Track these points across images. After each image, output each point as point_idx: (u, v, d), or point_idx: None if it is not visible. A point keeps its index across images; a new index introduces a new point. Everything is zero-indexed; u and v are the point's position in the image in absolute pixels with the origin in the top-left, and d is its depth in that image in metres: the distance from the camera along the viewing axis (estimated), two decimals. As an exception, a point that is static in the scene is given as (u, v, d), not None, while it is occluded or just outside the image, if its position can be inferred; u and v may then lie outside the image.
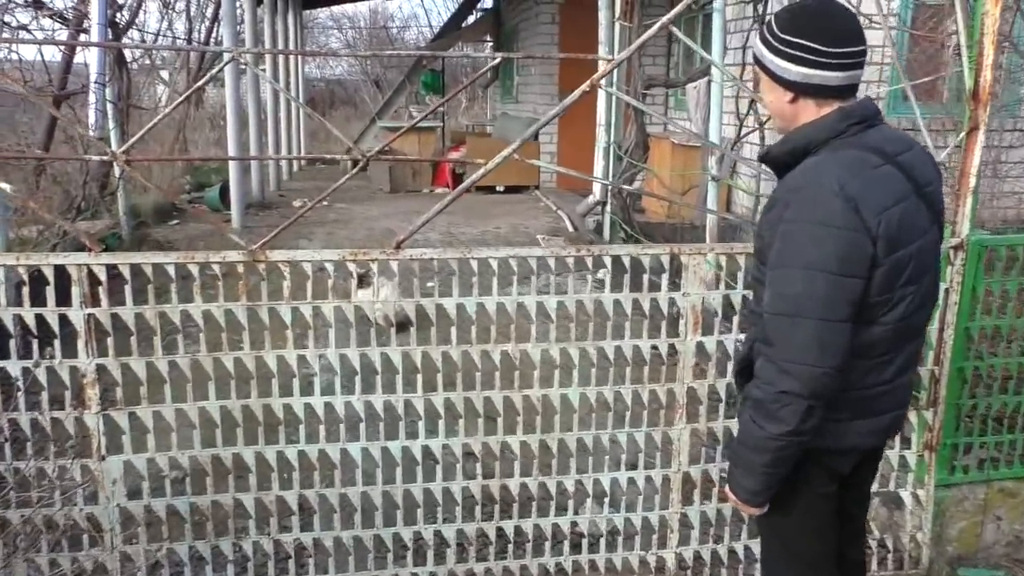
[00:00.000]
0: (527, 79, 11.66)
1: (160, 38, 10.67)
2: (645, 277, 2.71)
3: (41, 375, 2.35)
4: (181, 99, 2.56)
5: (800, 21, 1.77)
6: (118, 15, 7.42)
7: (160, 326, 2.40)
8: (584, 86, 2.50)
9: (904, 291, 1.74)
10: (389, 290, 5.25)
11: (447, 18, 17.18)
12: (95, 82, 5.93)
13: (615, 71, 7.10)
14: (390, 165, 10.46)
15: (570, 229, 8.07)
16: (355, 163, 2.66)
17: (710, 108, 5.08)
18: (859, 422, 1.85)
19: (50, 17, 7.04)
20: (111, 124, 6.53)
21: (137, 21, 8.86)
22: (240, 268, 2.41)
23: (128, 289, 2.36)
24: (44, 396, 2.36)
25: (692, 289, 2.64)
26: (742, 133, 4.78)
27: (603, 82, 2.51)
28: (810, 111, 1.81)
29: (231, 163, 7.59)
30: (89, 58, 6.12)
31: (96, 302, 2.34)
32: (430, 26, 25.65)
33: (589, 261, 2.56)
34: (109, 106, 6.49)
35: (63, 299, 2.33)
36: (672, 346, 2.69)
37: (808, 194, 1.70)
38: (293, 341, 2.48)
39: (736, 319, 2.75)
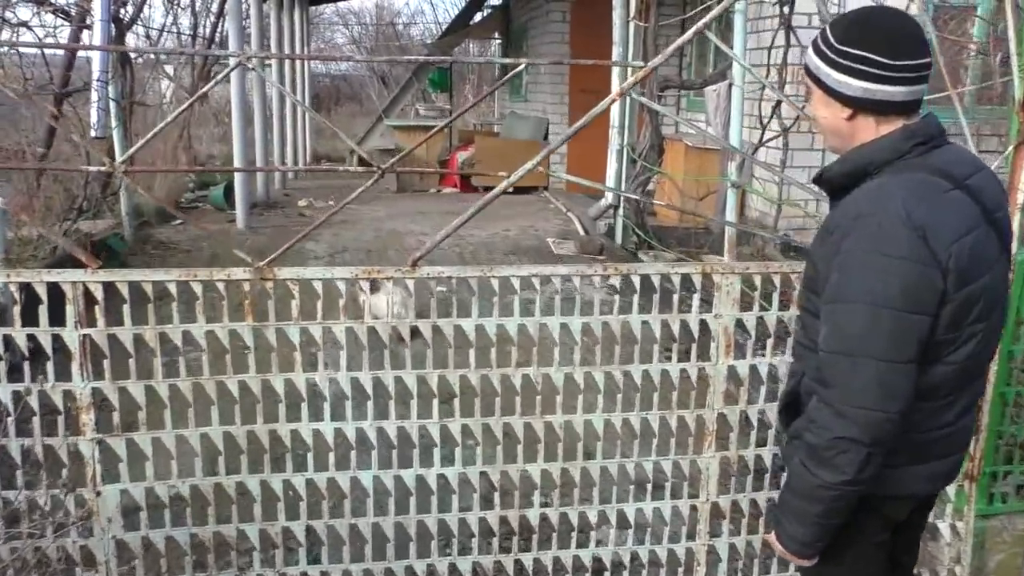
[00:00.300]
0: (537, 78, 11.51)
1: (165, 34, 10.52)
2: (674, 296, 2.55)
3: (33, 399, 2.21)
4: (184, 107, 2.41)
5: (861, 31, 1.61)
6: (122, 11, 7.25)
7: (160, 346, 2.25)
8: (614, 95, 2.34)
9: (973, 328, 1.59)
10: (401, 297, 5.13)
11: (455, 14, 17.01)
12: (97, 80, 5.79)
13: (628, 73, 6.95)
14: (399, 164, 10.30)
15: (581, 232, 7.92)
16: (362, 162, 2.52)
17: (730, 112, 4.92)
18: (919, 467, 1.70)
19: (52, 13, 6.89)
20: (114, 123, 6.38)
21: (142, 16, 8.71)
22: (246, 287, 2.26)
23: (126, 308, 2.21)
24: (36, 422, 2.22)
25: (724, 310, 2.49)
26: (764, 138, 4.61)
27: (624, 86, 2.36)
28: (869, 129, 1.65)
29: (236, 160, 7.45)
30: (91, 55, 5.97)
31: (92, 322, 2.20)
32: (437, 22, 25.47)
33: (617, 281, 2.39)
34: (112, 104, 6.34)
35: (57, 318, 2.19)
36: (702, 370, 2.54)
37: (871, 221, 1.54)
38: (302, 363, 2.33)
39: (770, 342, 2.59)
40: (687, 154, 7.78)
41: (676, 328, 2.49)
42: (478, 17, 14.68)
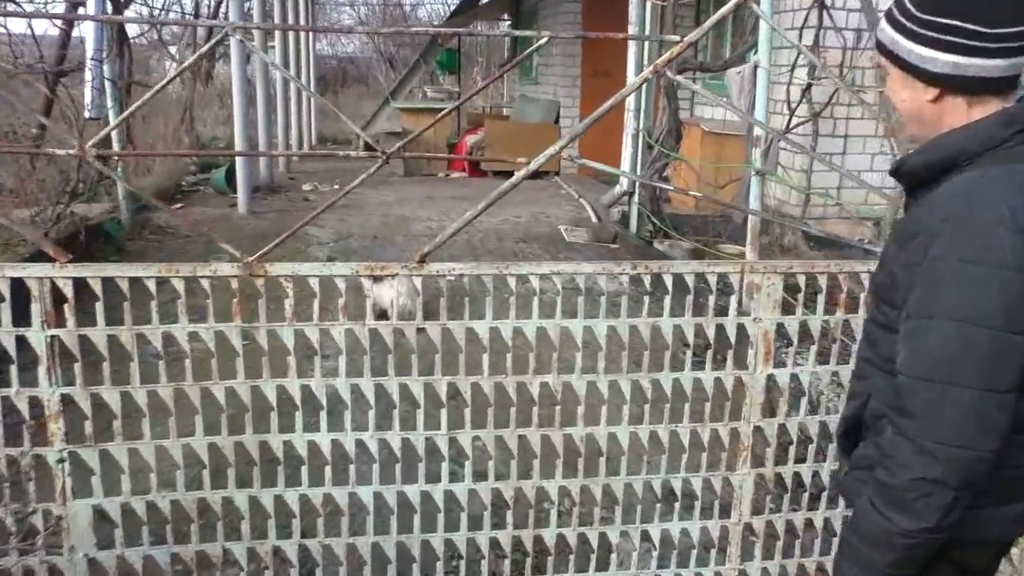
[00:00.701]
0: (548, 59, 11.21)
1: (166, 13, 10.24)
2: (709, 297, 2.30)
3: (-5, 406, 1.98)
4: (157, 88, 2.17)
5: None
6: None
7: (137, 350, 2.02)
8: (647, 72, 2.09)
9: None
10: (407, 287, 4.89)
11: (464, -5, 16.65)
12: (91, 58, 5.54)
13: (644, 54, 6.67)
14: (406, 148, 10.03)
15: (593, 220, 7.66)
16: (367, 147, 2.29)
17: (755, 95, 4.64)
18: (1007, 508, 1.46)
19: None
20: (110, 103, 6.14)
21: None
22: (234, 284, 2.02)
23: (99, 307, 1.98)
24: (-1, 432, 1.99)
25: (764, 313, 2.24)
26: (791, 123, 4.34)
27: (659, 62, 2.10)
28: (959, 112, 1.40)
29: (237, 143, 7.21)
30: (86, 33, 5.72)
31: (61, 322, 1.96)
32: (445, 3, 25.06)
33: (647, 279, 2.15)
34: (108, 84, 6.10)
35: (22, 317, 1.95)
36: (738, 379, 2.30)
37: (964, 224, 1.29)
38: (296, 368, 2.10)
39: (814, 349, 2.35)
40: (704, 139, 7.50)
41: (711, 332, 2.25)
42: (487, -2, 14.36)
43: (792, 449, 2.38)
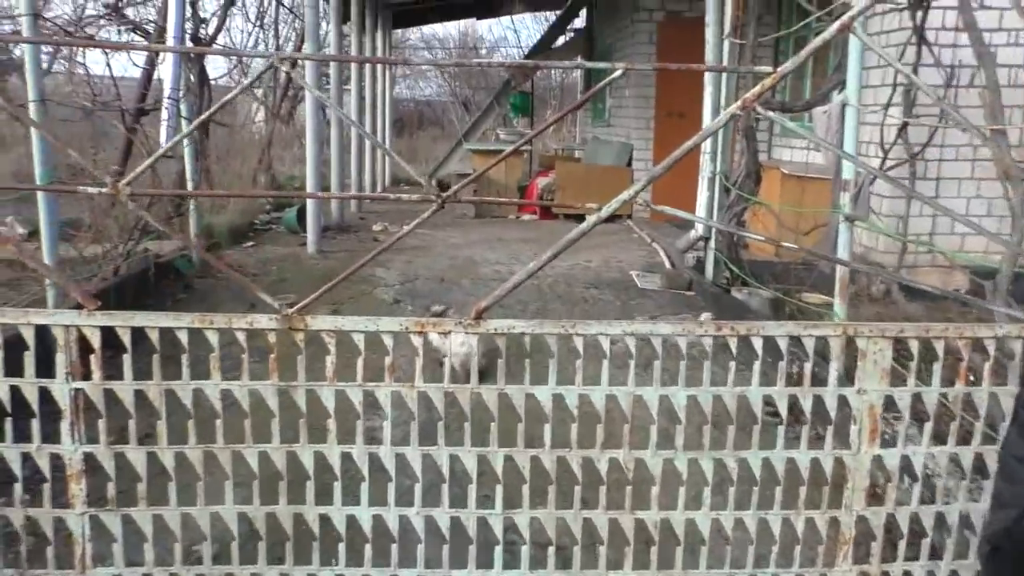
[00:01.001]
0: (621, 101, 11.01)
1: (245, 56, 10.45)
2: (782, 343, 2.00)
3: (15, 464, 1.82)
4: (183, 135, 2.01)
5: None
6: (201, 30, 7.11)
7: (166, 407, 1.83)
8: (734, 107, 1.83)
9: None
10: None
11: (537, 39, 16.69)
12: (168, 97, 5.58)
13: (722, 94, 6.38)
14: (475, 189, 9.93)
15: (667, 265, 7.34)
16: (440, 185, 2.08)
17: (843, 136, 4.30)
18: None
19: (132, 31, 6.78)
20: (185, 142, 6.18)
21: (223, 40, 8.62)
22: (271, 338, 1.83)
23: (127, 359, 1.80)
24: (16, 489, 1.82)
25: (871, 384, 1.93)
26: (886, 165, 3.98)
27: (749, 95, 1.84)
28: None
29: (308, 184, 7.19)
30: (164, 73, 5.78)
31: (86, 374, 1.80)
32: (519, 47, 25.30)
33: (733, 343, 1.86)
34: (184, 123, 6.14)
35: (46, 367, 1.80)
36: (838, 460, 1.97)
37: None
38: (336, 433, 1.88)
39: (929, 426, 2.01)
40: (784, 182, 7.13)
41: (808, 404, 1.94)
42: (561, 41, 14.30)
43: (902, 545, 2.03)
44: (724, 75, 6.05)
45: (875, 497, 2.04)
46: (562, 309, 6.00)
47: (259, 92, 14.99)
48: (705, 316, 5.97)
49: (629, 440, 1.91)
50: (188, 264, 6.27)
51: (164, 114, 5.66)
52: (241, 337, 1.82)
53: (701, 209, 6.44)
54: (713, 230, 6.41)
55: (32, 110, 4.20)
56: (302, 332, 1.82)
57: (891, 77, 4.38)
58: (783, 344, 1.90)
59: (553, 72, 24.63)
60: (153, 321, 1.80)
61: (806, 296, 6.07)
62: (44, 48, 8.49)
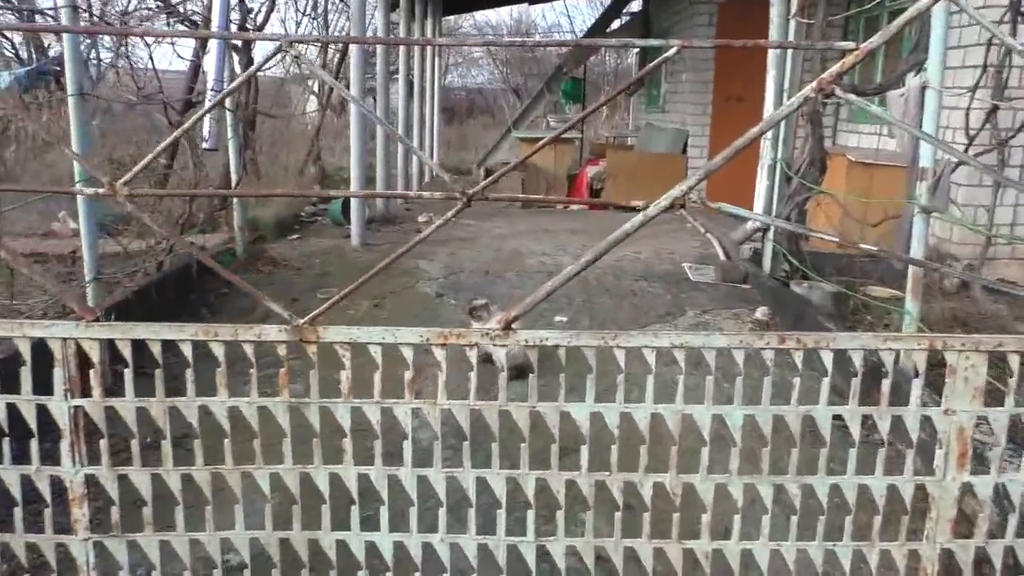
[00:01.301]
0: (676, 86, 10.67)
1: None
2: (856, 357, 1.77)
3: (14, 487, 1.71)
4: (176, 134, 1.87)
5: None
6: (248, 20, 7.06)
7: (171, 426, 1.70)
8: (809, 89, 1.61)
9: None
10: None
11: (591, 24, 16.37)
12: (211, 89, 5.52)
13: (786, 76, 6.06)
14: (522, 178, 9.74)
15: (722, 257, 7.04)
16: (488, 174, 1.90)
17: (921, 120, 3.99)
18: None
19: (180, 22, 6.76)
20: (229, 134, 6.13)
21: (273, 31, 8.58)
22: (280, 350, 1.67)
23: (128, 375, 1.67)
24: (16, 514, 1.71)
25: (960, 404, 1.69)
26: (970, 152, 3.66)
27: (827, 74, 1.61)
28: None
29: (353, 175, 7.10)
30: (207, 65, 5.72)
31: (86, 391, 1.67)
32: (573, 32, 24.95)
33: (798, 356, 1.64)
34: (228, 115, 6.09)
35: (44, 383, 1.68)
36: (921, 488, 1.74)
37: None
38: (352, 453, 1.72)
39: (1027, 452, 1.76)
40: (850, 171, 6.76)
41: (885, 427, 1.71)
42: (615, 25, 13.97)
43: (994, 583, 1.79)
44: (789, 58, 5.73)
45: (963, 529, 1.80)
46: (609, 303, 5.78)
47: (312, 83, 15.04)
48: (761, 311, 5.68)
49: (677, 463, 1.71)
50: (232, 258, 6.24)
51: (207, 105, 5.59)
52: (249, 350, 1.67)
53: (760, 199, 6.14)
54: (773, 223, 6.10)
55: (71, 105, 4.15)
56: (315, 344, 1.67)
57: (973, 58, 4.03)
58: (857, 359, 1.67)
59: (607, 58, 24.25)
60: (155, 333, 1.66)
61: (872, 290, 5.74)
62: (103, 42, 8.57)
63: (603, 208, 9.77)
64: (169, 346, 1.66)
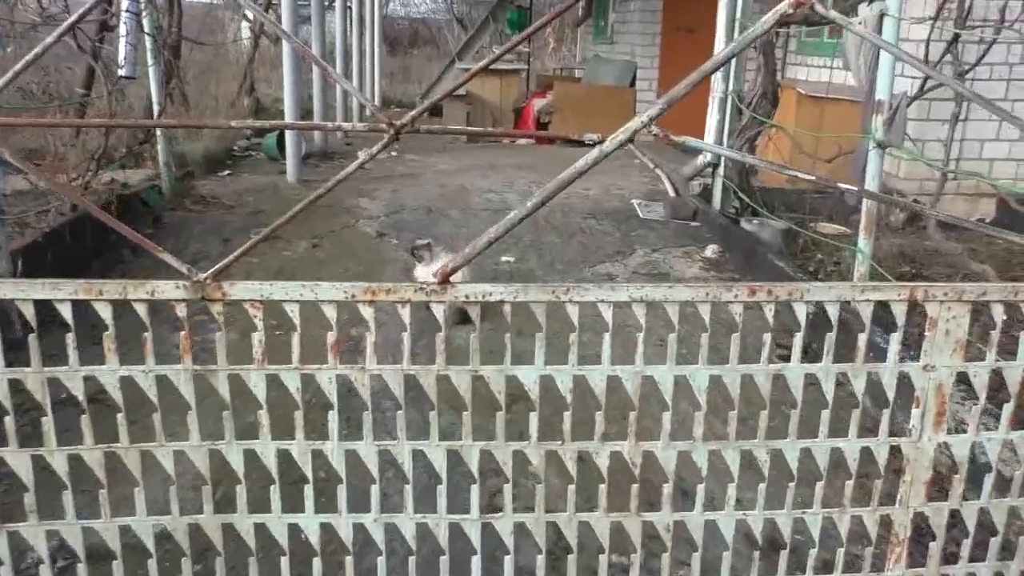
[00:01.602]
0: (625, 16, 10.33)
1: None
2: (832, 310, 1.61)
3: None
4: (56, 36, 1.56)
5: None
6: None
7: (52, 398, 1.45)
8: (785, 4, 1.39)
9: None
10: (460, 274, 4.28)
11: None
12: (126, 10, 5.03)
13: (738, 4, 5.82)
14: (467, 111, 9.39)
15: (671, 193, 6.89)
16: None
17: (879, 52, 3.82)
18: None
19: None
20: (149, 60, 5.66)
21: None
22: (179, 310, 1.43)
23: (33, 340, 1.41)
24: None
25: (941, 358, 1.54)
26: (926, 86, 3.50)
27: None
28: None
29: (287, 107, 6.68)
30: (121, -18, 5.21)
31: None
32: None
33: (769, 311, 1.46)
34: (148, 40, 5.60)
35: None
36: (896, 449, 1.60)
37: None
38: (270, 427, 1.50)
39: (1009, 407, 1.63)
40: (800, 104, 6.63)
41: (860, 386, 1.55)
42: (561, -49, 13.43)
43: (967, 543, 1.68)
44: (740, -17, 5.47)
45: (937, 491, 1.68)
46: (558, 242, 5.59)
47: (244, 7, 14.17)
48: (712, 249, 5.57)
49: (635, 430, 1.54)
50: (158, 196, 5.84)
51: (122, 29, 5.12)
52: (142, 311, 1.42)
53: (711, 133, 5.96)
54: (723, 158, 5.94)
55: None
56: (220, 303, 1.42)
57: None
58: (833, 311, 1.50)
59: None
60: (24, 292, 1.39)
61: (822, 227, 5.66)
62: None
63: (551, 142, 9.49)
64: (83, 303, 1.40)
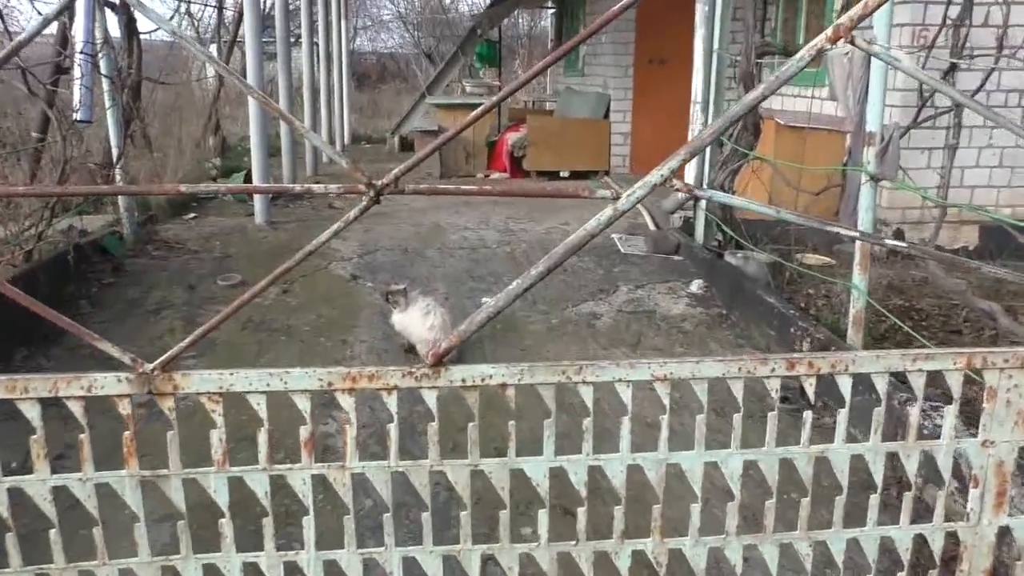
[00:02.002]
0: (596, 48, 10.29)
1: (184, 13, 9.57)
2: (879, 382, 1.42)
3: None
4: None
5: None
6: (125, -26, 6.26)
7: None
8: (823, 38, 1.22)
9: None
10: (441, 318, 4.06)
11: (504, -16, 15.76)
12: (81, 52, 4.80)
13: (715, 34, 5.74)
14: (439, 151, 9.22)
15: (651, 227, 6.76)
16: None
17: (867, 82, 3.71)
18: None
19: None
20: (107, 103, 5.42)
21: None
22: (122, 407, 1.21)
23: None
24: None
25: (1001, 433, 1.36)
26: (920, 117, 3.39)
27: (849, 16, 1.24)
28: None
29: (253, 147, 6.45)
30: (76, 28, 4.99)
31: None
32: (485, -6, 24.21)
33: (810, 387, 1.27)
34: (105, 82, 5.38)
35: None
36: (953, 537, 1.42)
37: None
38: (233, 538, 1.28)
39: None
40: (779, 135, 6.54)
41: (912, 468, 1.37)
42: (529, -15, 13.46)
43: (1029, 638, 1.49)
44: (718, 16, 5.39)
45: (995, 580, 1.49)
46: (540, 282, 5.41)
47: (210, 45, 13.99)
48: (697, 284, 5.42)
49: (661, 525, 1.33)
50: (118, 242, 5.57)
51: (76, 72, 4.89)
52: (77, 410, 1.19)
53: (692, 166, 5.84)
54: (705, 189, 5.80)
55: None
56: (171, 398, 1.20)
57: (923, 14, 3.77)
58: (882, 384, 1.32)
59: (519, 20, 23.65)
60: (-67, 391, 1.16)
61: (807, 258, 5.55)
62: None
63: (525, 176, 9.34)
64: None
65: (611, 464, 1.30)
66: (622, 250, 6.33)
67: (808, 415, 1.32)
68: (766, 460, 1.33)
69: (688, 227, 6.32)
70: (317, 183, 8.02)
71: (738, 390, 1.29)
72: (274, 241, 6.17)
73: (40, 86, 4.65)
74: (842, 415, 1.33)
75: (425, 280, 5.31)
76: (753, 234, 5.69)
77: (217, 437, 1.23)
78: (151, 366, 1.19)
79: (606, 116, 9.59)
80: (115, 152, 5.52)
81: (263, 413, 1.23)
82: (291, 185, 1.62)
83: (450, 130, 1.27)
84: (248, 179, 7.13)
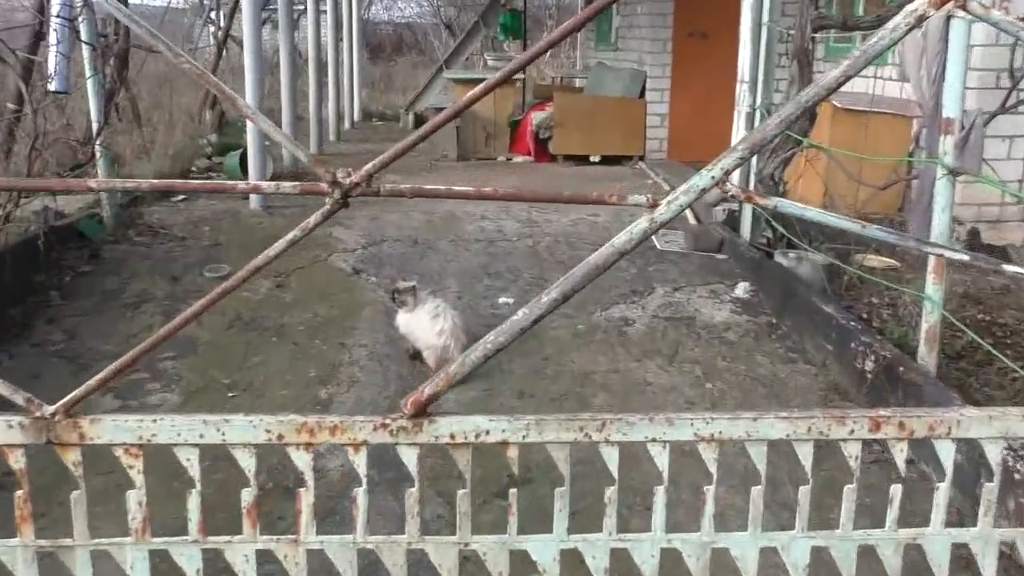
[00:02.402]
0: (631, 19, 10.03)
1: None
2: (992, 451, 1.20)
3: None
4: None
5: None
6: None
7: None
8: (920, 5, 1.00)
9: None
10: (451, 321, 3.87)
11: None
12: (57, 15, 4.65)
13: (766, 9, 5.48)
14: (457, 127, 9.04)
15: (692, 221, 6.51)
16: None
17: (945, 61, 3.45)
18: None
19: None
20: (87, 72, 5.28)
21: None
22: (14, 459, 1.02)
23: None
24: None
25: None
26: (1008, 102, 3.14)
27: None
28: None
29: (249, 124, 6.30)
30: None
31: None
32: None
33: (900, 455, 1.05)
34: (85, 49, 5.23)
35: None
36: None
37: None
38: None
39: None
40: (836, 118, 6.26)
41: (1029, 556, 1.14)
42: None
43: None
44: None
45: None
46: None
47: (210, 11, 13.88)
48: (742, 287, 5.19)
49: (703, 623, 1.12)
50: (97, 226, 5.43)
51: (52, 38, 4.74)
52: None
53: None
54: (751, 177, 5.57)
55: None
56: (76, 449, 1.01)
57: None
58: (995, 453, 1.09)
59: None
60: None
61: (868, 260, 5.29)
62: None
63: (550, 159, 9.12)
64: None
65: (640, 547, 1.09)
66: (658, 246, 6.10)
67: (897, 489, 1.10)
68: (840, 546, 1.11)
69: (733, 221, 6.08)
70: (324, 163, 7.87)
71: (806, 455, 1.08)
72: (269, 228, 6.00)
73: (10, 53, 4.51)
74: (941, 490, 1.11)
75: (436, 276, 5.13)
76: (807, 231, 5.44)
77: (135, 500, 1.04)
78: (51, 409, 1.00)
79: (641, 95, 9.33)
80: (95, 125, 5.38)
81: (195, 471, 1.03)
82: (236, 182, 1.42)
83: (440, 115, 1.06)
84: (245, 159, 6.97)
